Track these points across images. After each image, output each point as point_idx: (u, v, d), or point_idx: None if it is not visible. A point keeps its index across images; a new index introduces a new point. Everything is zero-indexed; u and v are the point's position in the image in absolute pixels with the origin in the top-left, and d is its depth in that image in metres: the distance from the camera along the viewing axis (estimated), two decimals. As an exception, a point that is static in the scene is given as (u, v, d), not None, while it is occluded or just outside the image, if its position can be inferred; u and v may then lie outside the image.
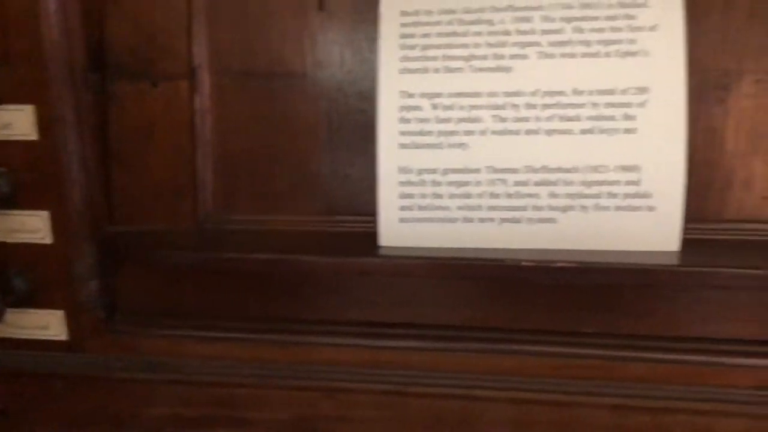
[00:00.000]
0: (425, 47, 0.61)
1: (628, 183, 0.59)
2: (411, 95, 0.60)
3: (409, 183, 0.61)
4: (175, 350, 0.72)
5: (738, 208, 0.63)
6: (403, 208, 0.61)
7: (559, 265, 0.57)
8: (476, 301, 0.65)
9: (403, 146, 0.61)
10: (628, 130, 0.59)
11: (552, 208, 0.60)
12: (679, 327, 0.64)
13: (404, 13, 0.61)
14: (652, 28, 0.58)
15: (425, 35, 0.61)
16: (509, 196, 0.60)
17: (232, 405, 0.73)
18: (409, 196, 0.61)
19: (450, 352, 0.66)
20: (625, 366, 0.65)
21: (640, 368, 0.64)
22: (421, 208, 0.61)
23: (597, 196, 0.59)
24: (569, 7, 0.59)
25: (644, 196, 0.59)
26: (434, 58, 0.60)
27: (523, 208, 0.60)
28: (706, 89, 0.62)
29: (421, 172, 0.61)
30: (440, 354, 0.66)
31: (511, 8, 0.60)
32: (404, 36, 0.61)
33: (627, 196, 0.59)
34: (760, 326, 0.63)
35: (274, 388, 0.71)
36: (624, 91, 0.58)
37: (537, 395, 0.67)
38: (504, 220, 0.61)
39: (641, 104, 0.58)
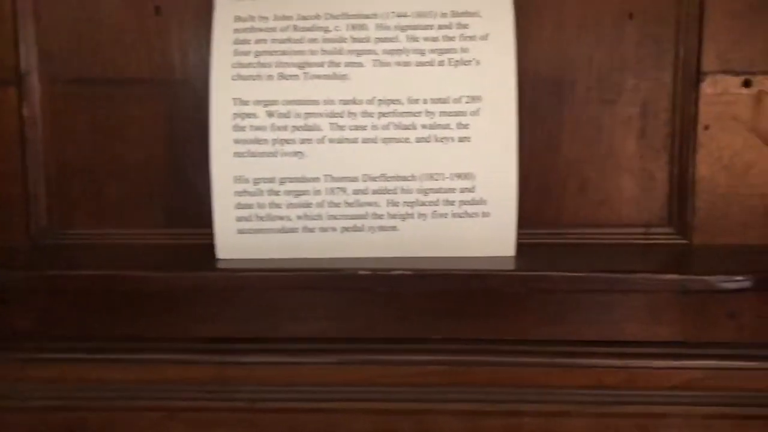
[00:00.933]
0: (259, 53, 0.59)
1: (463, 190, 0.59)
2: (245, 102, 0.59)
3: (245, 193, 0.59)
4: (11, 375, 0.67)
5: (573, 213, 0.65)
6: (240, 219, 0.60)
7: (395, 273, 0.57)
8: (322, 311, 0.64)
9: (238, 155, 0.59)
10: (462, 139, 0.59)
11: (392, 216, 0.60)
12: (522, 330, 0.65)
13: (238, 19, 0.60)
14: (484, 38, 0.59)
15: (260, 41, 0.59)
16: (349, 204, 0.60)
17: (82, 429, 0.69)
18: (247, 206, 0.60)
19: (299, 365, 0.65)
20: (473, 371, 0.65)
21: (486, 372, 0.65)
22: (259, 218, 0.60)
23: (434, 203, 0.60)
24: (403, 15, 0.60)
25: (479, 203, 0.60)
26: (269, 65, 0.59)
27: (363, 217, 0.60)
28: (541, 97, 0.64)
29: (257, 181, 0.59)
30: (287, 368, 0.65)
31: (345, 15, 0.59)
32: (238, 42, 0.59)
33: (463, 203, 0.60)
34: (596, 328, 0.65)
35: (120, 410, 0.68)
36: (457, 100, 0.59)
37: (392, 405, 0.66)
38: (345, 229, 0.60)
39: (474, 113, 0.59)
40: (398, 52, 0.59)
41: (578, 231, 0.65)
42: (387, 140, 0.59)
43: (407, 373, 0.65)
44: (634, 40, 0.63)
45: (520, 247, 0.62)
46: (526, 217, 0.64)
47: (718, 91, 0.62)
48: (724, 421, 0.64)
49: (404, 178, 0.59)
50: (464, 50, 0.59)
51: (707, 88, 0.62)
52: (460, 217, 0.60)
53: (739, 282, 0.59)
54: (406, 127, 0.59)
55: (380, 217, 0.60)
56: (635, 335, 0.65)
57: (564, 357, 0.65)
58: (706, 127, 0.63)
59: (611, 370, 0.65)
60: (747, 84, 0.62)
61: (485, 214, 0.60)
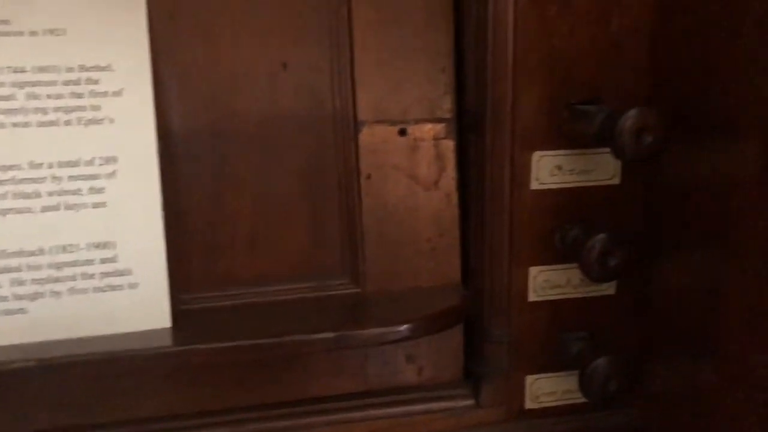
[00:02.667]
0: None
1: (104, 261, 0.54)
2: None
3: None
4: None
5: (244, 270, 0.62)
6: None
7: (15, 366, 0.50)
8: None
9: None
10: (96, 204, 0.54)
11: (18, 297, 0.53)
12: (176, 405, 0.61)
13: None
14: (117, 93, 0.54)
15: None
16: (-37, 289, 0.52)
17: None
18: None
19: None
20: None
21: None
22: None
23: (71, 278, 0.54)
24: (21, 70, 0.53)
25: (124, 273, 0.55)
26: None
27: (-17, 301, 0.52)
28: (201, 151, 0.60)
29: None
30: None
31: (-54, 72, 0.52)
32: None
33: (105, 275, 0.54)
34: (277, 388, 0.62)
35: None
36: (89, 162, 0.54)
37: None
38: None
39: (110, 175, 0.54)
40: (15, 111, 0.52)
41: (251, 290, 0.62)
42: (4, 212, 0.52)
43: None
44: (291, 91, 0.61)
45: (183, 314, 0.58)
46: (190, 280, 0.60)
47: (376, 141, 0.63)
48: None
49: (31, 254, 0.53)
50: (95, 107, 0.54)
51: (365, 137, 0.63)
52: (103, 291, 0.54)
53: (399, 332, 0.59)
54: (29, 196, 0.52)
55: (5, 299, 0.52)
56: (318, 392, 0.64)
57: (248, 423, 0.62)
58: (368, 177, 0.63)
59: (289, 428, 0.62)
60: (402, 132, 0.63)
61: (132, 285, 0.55)
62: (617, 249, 0.56)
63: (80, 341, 0.54)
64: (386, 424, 0.64)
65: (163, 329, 0.56)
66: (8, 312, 0.53)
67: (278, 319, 0.60)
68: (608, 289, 0.64)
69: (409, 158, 0.63)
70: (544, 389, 0.65)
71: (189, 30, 0.58)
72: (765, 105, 0.46)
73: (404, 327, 0.59)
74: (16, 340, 0.53)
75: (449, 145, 0.64)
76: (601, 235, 0.56)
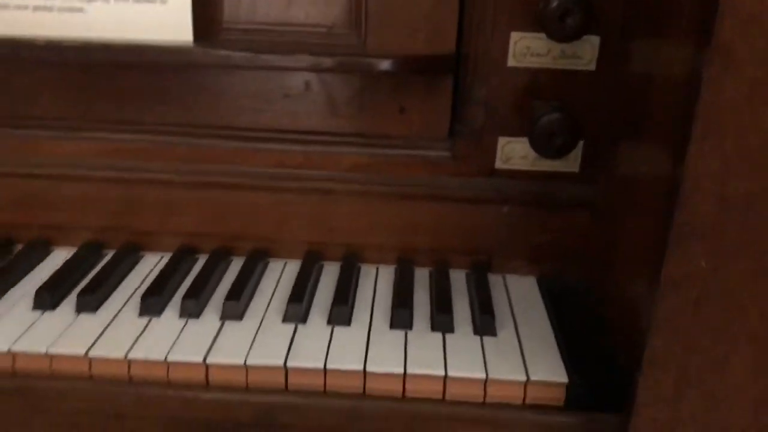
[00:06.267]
0: None
1: (143, -23, 0.66)
2: None
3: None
4: None
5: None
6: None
7: (66, 44, 0.65)
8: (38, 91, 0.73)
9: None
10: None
11: (80, -5, 0.67)
12: (217, 117, 0.75)
13: None
14: None
15: None
16: (40, -16, 0.67)
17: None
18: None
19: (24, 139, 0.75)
20: (173, 148, 0.75)
21: (184, 150, 0.75)
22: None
23: (119, -13, 0.67)
24: None
25: (157, -11, 0.67)
26: None
27: (53, -5, 0.67)
28: None
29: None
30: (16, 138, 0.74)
31: None
32: None
33: (142, -11, 0.67)
34: (275, 117, 0.74)
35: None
36: None
37: (105, 173, 0.76)
38: (37, 8, 0.67)
39: None
40: None
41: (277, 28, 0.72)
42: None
43: (115, 148, 0.75)
44: None
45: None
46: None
47: None
48: (382, 198, 0.75)
49: (89, -38, 0.66)
50: None
51: None
52: (141, 2, 0.67)
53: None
54: None
55: (69, -4, 0.67)
56: (316, 127, 0.75)
57: (248, 141, 0.75)
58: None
59: (291, 153, 0.75)
60: None
61: (163, 1, 0.67)
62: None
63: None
64: (370, 161, 0.74)
65: (187, 41, 0.68)
66: (71, 9, 0.67)
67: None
68: (589, 64, 0.68)
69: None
70: (517, 153, 0.72)
71: None
72: None
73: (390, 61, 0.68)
74: (77, 33, 0.67)
75: None
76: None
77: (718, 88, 0.41)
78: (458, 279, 0.75)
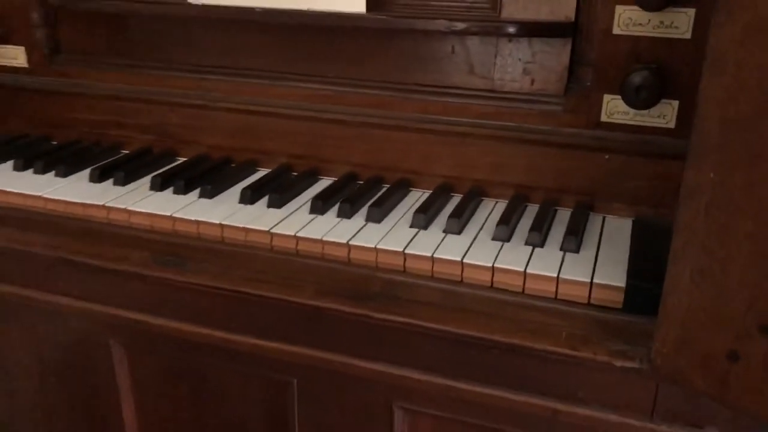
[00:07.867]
0: None
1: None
2: None
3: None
4: (91, 75, 1.12)
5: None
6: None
7: (274, 11, 0.91)
8: (255, 48, 1.01)
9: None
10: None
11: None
12: (380, 74, 0.96)
13: None
14: None
15: None
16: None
17: (122, 114, 1.12)
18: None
19: (243, 84, 1.03)
20: (349, 96, 0.98)
21: (355, 97, 0.98)
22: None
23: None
24: None
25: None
26: None
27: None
28: None
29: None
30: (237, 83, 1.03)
31: None
32: None
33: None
34: (426, 74, 0.94)
35: (140, 101, 1.10)
36: None
37: (299, 112, 1.01)
38: (260, -12, 0.94)
39: None
40: None
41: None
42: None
43: (308, 94, 1.00)
44: None
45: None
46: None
47: None
48: (505, 142, 0.92)
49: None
50: None
51: None
52: (328, -17, 0.91)
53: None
54: None
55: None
56: (456, 83, 0.94)
57: (401, 92, 0.96)
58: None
59: (434, 103, 0.94)
60: None
61: (345, -18, 0.90)
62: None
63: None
64: (497, 111, 0.91)
65: (361, 12, 0.90)
66: (282, -12, 0.93)
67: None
68: (685, 33, 0.79)
69: None
70: (619, 108, 0.85)
71: None
72: None
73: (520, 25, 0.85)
74: (282, 4, 0.93)
75: None
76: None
77: (720, 32, 0.53)
78: (563, 214, 0.89)
